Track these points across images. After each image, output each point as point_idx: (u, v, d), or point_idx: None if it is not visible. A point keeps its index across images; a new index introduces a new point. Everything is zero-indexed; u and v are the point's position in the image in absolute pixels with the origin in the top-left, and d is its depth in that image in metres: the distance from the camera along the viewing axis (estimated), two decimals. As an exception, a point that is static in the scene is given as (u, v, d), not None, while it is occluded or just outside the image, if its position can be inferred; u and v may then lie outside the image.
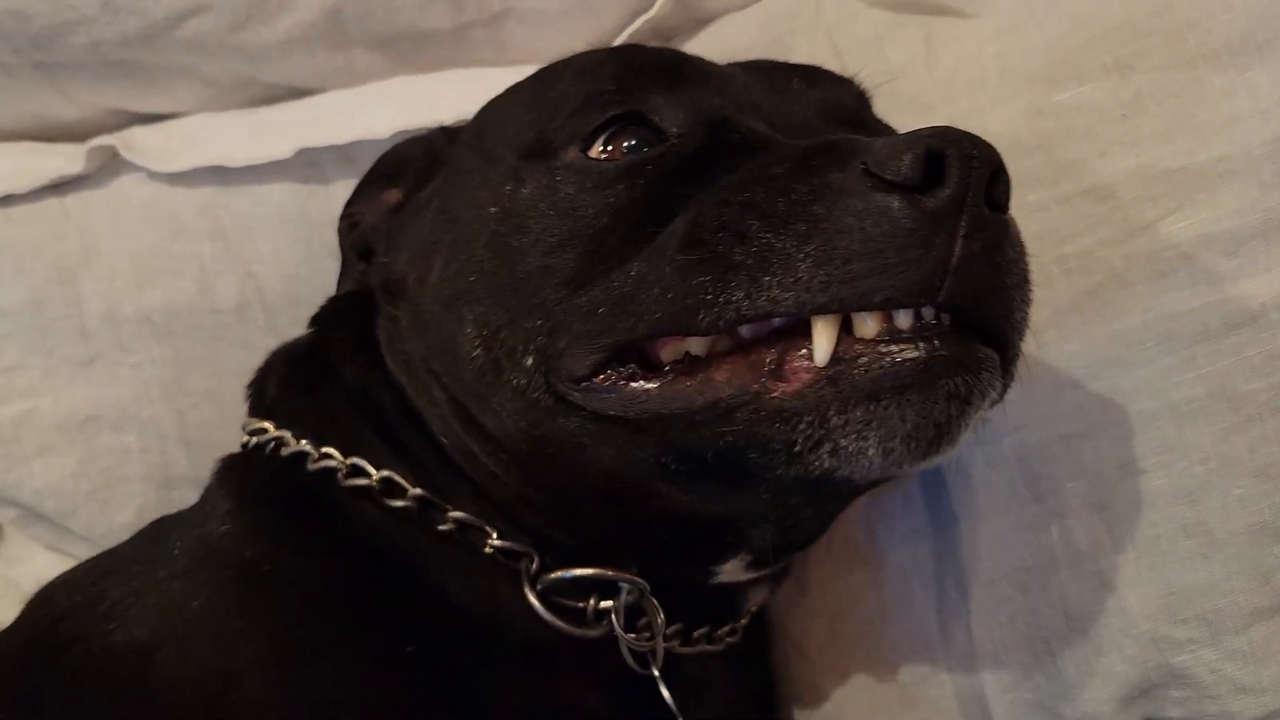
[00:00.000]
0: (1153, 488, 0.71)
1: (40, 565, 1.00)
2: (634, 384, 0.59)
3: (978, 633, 0.78)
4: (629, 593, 0.69)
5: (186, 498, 0.96)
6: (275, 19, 0.90)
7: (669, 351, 0.59)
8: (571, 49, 0.95)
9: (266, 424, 0.74)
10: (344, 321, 0.79)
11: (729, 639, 0.77)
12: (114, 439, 0.97)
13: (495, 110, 0.75)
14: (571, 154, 0.64)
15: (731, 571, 0.73)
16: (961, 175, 0.52)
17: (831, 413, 0.53)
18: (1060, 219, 0.76)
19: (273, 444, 0.73)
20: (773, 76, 0.72)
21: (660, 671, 0.70)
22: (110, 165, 0.98)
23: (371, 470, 0.69)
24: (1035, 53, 0.79)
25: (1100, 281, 0.75)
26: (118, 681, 0.59)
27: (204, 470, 0.97)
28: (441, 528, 0.68)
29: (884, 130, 0.75)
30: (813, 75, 0.75)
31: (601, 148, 0.63)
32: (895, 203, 0.52)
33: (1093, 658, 0.74)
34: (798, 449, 0.54)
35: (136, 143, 0.96)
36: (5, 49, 0.94)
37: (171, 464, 0.98)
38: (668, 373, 0.59)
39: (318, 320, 0.82)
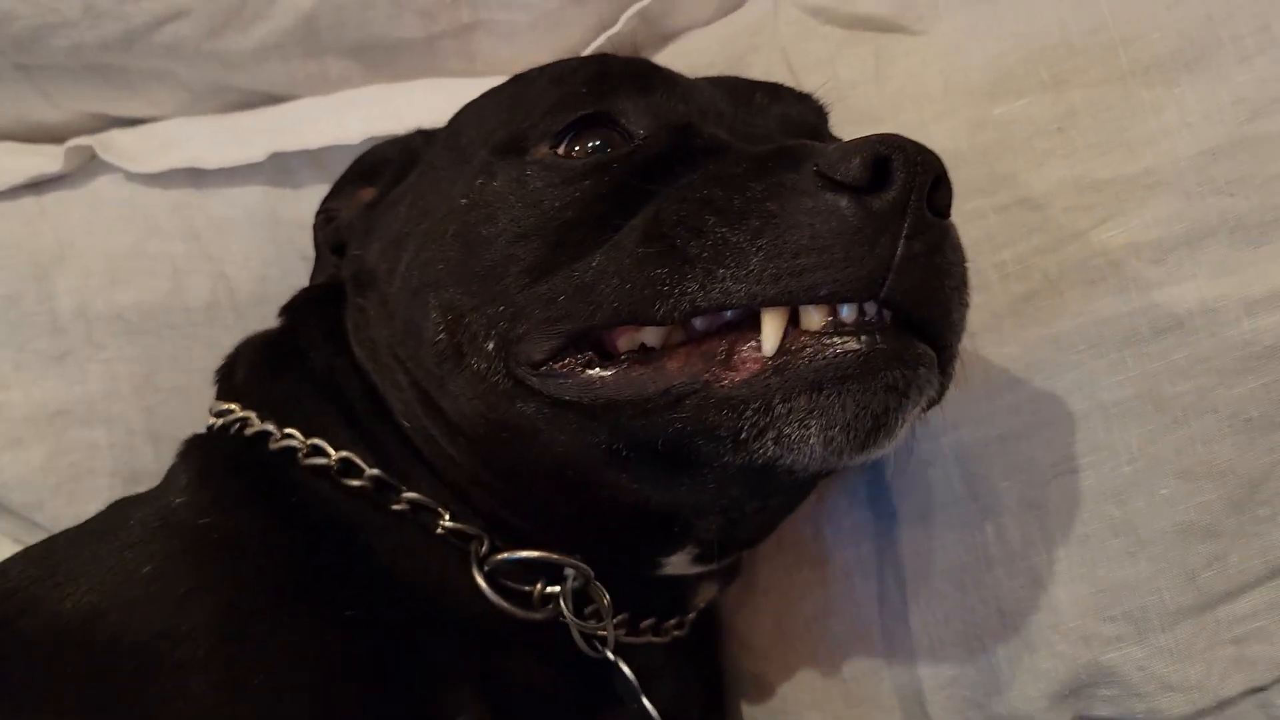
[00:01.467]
0: (1083, 487, 0.73)
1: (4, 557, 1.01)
2: (590, 371, 0.62)
3: (916, 629, 0.80)
4: (575, 579, 0.71)
5: (153, 492, 0.97)
6: (251, 26, 0.93)
7: (625, 341, 0.62)
8: (538, 61, 0.98)
9: (232, 405, 0.76)
10: (314, 311, 0.81)
11: (675, 632, 0.79)
12: (83, 434, 0.98)
13: (472, 111, 0.78)
14: (542, 150, 0.67)
15: (678, 564, 0.75)
16: (906, 179, 0.55)
17: (776, 401, 0.56)
18: (997, 226, 0.79)
19: (237, 424, 0.75)
20: (736, 90, 0.76)
21: (614, 654, 0.71)
22: (88, 166, 1.00)
23: (331, 450, 0.71)
24: (976, 69, 0.81)
25: (1035, 287, 0.77)
26: (63, 643, 0.60)
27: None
28: (395, 507, 0.70)
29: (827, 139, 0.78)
30: (775, 91, 0.78)
31: (570, 146, 0.66)
32: (844, 202, 0.55)
33: (1025, 655, 0.75)
34: (743, 436, 0.57)
35: (114, 144, 0.98)
36: (-12, 51, 0.96)
37: (139, 459, 0.99)
38: (623, 361, 0.61)
39: (288, 309, 0.85)
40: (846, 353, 0.55)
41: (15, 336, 0.98)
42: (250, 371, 0.81)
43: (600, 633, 0.71)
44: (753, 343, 0.57)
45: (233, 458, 0.74)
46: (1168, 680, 0.71)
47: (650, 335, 0.61)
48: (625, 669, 0.72)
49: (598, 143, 0.66)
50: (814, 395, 0.56)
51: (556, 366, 0.62)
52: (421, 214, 0.72)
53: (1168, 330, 0.71)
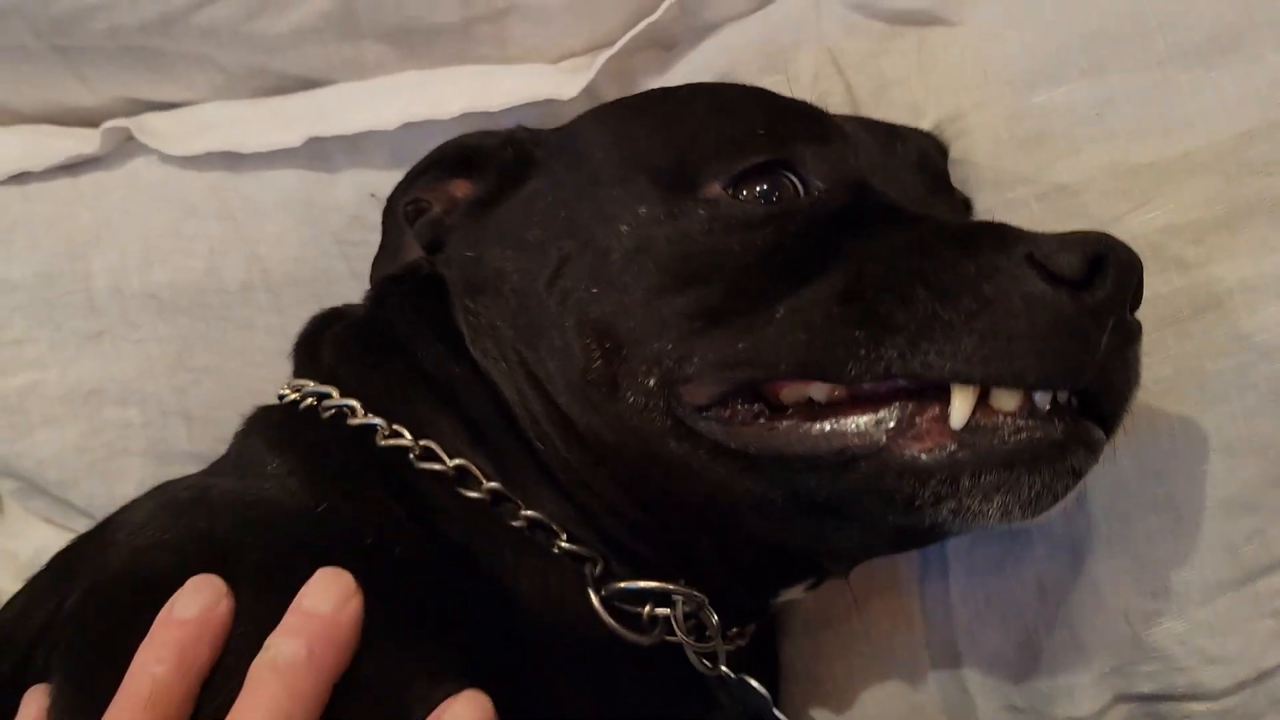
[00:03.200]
0: (1123, 463, 0.73)
1: (39, 538, 1.01)
2: (760, 421, 0.61)
3: (956, 606, 0.80)
4: (685, 603, 0.70)
5: (186, 472, 0.98)
6: (289, 8, 0.93)
7: (790, 393, 0.61)
8: (572, 48, 0.99)
9: (330, 389, 0.73)
10: (410, 303, 0.78)
11: (751, 633, 0.80)
12: (117, 413, 0.98)
13: (602, 125, 0.76)
14: (715, 190, 0.66)
15: (793, 593, 0.76)
16: (1116, 280, 0.57)
17: (964, 474, 0.57)
18: (1040, 213, 0.79)
19: (334, 410, 0.72)
20: (878, 134, 0.77)
21: (729, 671, 0.71)
22: (124, 148, 1.00)
23: (445, 456, 0.69)
24: (1015, 57, 0.82)
25: (1073, 270, 0.78)
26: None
27: (204, 445, 0.99)
28: (513, 524, 0.68)
29: (950, 184, 0.80)
30: (906, 134, 0.79)
31: (740, 188, 0.66)
32: (1063, 296, 0.57)
33: (1066, 632, 0.76)
34: (918, 503, 0.58)
35: (150, 126, 0.99)
36: (26, 31, 0.96)
37: (172, 439, 0.99)
38: (791, 414, 0.61)
39: (377, 299, 0.81)
40: (1041, 437, 0.57)
41: (52, 316, 0.98)
42: (343, 355, 0.77)
43: (710, 649, 0.71)
44: (935, 412, 0.58)
45: (342, 449, 0.70)
46: (1208, 654, 0.72)
47: (817, 390, 0.61)
48: (755, 684, 0.72)
49: (765, 187, 0.66)
50: (1005, 473, 0.57)
51: (723, 413, 0.62)
52: (564, 229, 0.70)
53: (1208, 309, 0.73)
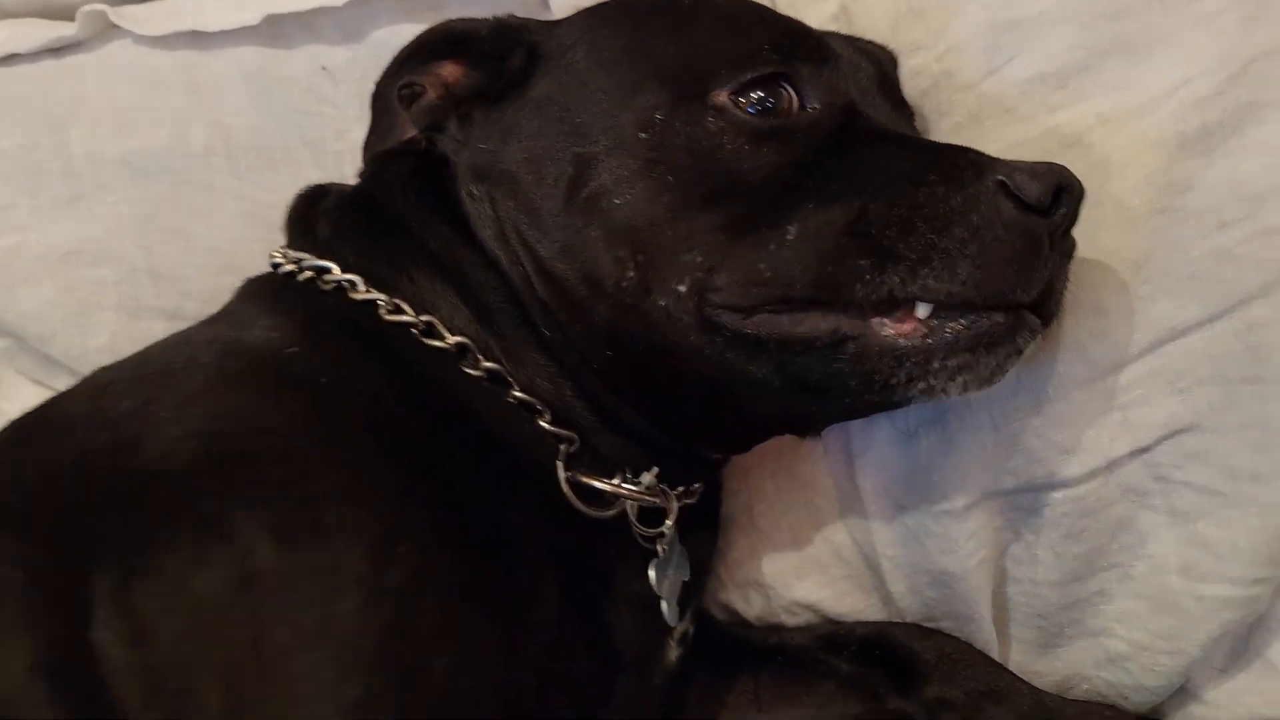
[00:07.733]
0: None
1: (26, 399, 1.08)
2: (767, 310, 0.69)
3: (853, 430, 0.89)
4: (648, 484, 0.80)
5: (154, 326, 1.06)
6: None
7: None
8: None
9: (330, 264, 0.77)
10: (409, 184, 0.81)
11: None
12: (91, 272, 1.07)
13: (619, 31, 0.78)
14: (722, 98, 0.71)
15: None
16: (1071, 206, 0.68)
17: (936, 357, 0.67)
18: (938, 73, 0.87)
19: (335, 285, 0.77)
20: (848, 51, 0.82)
21: (666, 548, 0.81)
22: (103, 34, 1.08)
23: (446, 333, 0.75)
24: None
25: (960, 121, 0.86)
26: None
27: (170, 302, 1.08)
28: (506, 400, 0.76)
29: (904, 97, 0.87)
30: (866, 49, 0.85)
31: (743, 96, 0.71)
32: (1035, 221, 0.66)
33: (939, 431, 0.85)
34: (894, 382, 0.67)
35: (126, 13, 1.06)
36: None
37: (141, 295, 1.07)
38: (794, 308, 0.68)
39: (373, 174, 0.84)
40: (998, 322, 0.67)
41: (32, 183, 1.07)
42: (341, 229, 0.81)
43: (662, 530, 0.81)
44: (911, 305, 0.66)
45: (347, 319, 0.75)
46: (1063, 445, 0.80)
47: None
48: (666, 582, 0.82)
49: (763, 94, 0.72)
50: (967, 355, 0.67)
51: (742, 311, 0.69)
52: (578, 133, 0.73)
53: (1072, 145, 0.80)
